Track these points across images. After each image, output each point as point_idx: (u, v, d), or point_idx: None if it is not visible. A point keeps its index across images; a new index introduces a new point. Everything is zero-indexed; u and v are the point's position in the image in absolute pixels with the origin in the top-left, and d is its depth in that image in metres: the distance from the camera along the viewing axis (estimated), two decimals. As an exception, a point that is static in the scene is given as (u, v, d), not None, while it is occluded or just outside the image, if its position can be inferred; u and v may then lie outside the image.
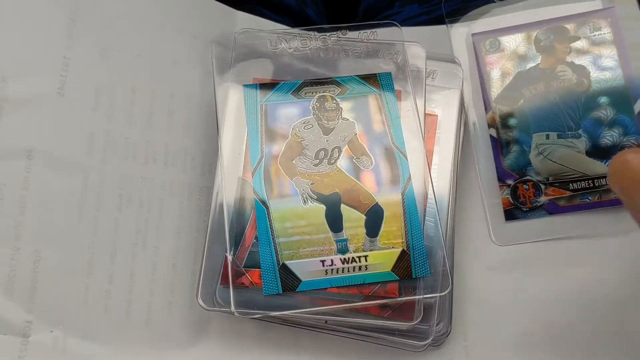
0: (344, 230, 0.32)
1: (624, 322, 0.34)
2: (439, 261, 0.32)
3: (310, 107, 0.34)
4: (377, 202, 0.33)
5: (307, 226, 0.32)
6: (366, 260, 0.31)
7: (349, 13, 0.45)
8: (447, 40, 0.39)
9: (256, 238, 0.32)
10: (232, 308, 0.30)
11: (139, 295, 0.32)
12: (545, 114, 0.37)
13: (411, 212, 0.32)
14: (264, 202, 0.32)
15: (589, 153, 0.36)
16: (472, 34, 0.38)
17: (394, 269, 0.31)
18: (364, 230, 0.32)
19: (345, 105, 0.34)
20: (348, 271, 0.31)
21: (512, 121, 0.37)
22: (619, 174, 0.25)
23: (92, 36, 0.34)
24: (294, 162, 0.33)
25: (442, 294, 0.31)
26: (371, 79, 0.35)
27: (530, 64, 0.37)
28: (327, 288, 0.31)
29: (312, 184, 0.33)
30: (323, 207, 0.32)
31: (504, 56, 0.38)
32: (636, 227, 0.25)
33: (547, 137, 0.36)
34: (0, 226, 0.30)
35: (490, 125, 0.37)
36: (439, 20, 0.39)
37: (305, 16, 0.43)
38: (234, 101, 0.34)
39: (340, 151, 0.34)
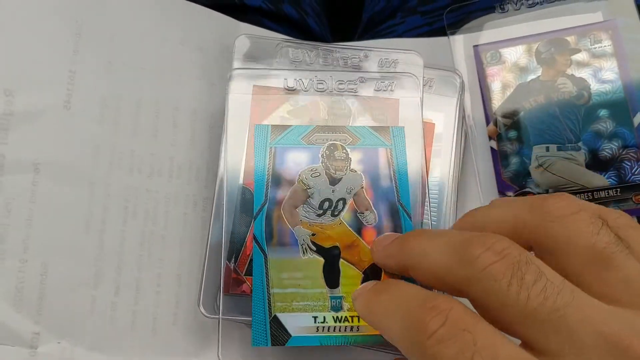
0: (340, 287, 0.31)
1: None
2: None
3: (320, 155, 0.33)
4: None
5: (303, 279, 0.31)
6: (358, 321, 0.31)
7: (350, 24, 0.46)
8: (449, 52, 0.39)
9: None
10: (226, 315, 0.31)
11: (145, 306, 0.33)
12: (545, 126, 0.37)
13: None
14: (262, 249, 0.31)
15: (589, 166, 0.36)
16: (474, 46, 0.39)
17: None
18: None
19: (355, 156, 0.34)
20: (339, 330, 0.30)
21: (513, 133, 0.37)
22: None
23: (97, 50, 0.34)
24: (297, 210, 0.32)
25: None
26: (383, 131, 0.34)
27: (531, 76, 0.38)
28: (316, 346, 0.30)
29: (312, 234, 0.32)
30: (321, 261, 0.31)
31: (505, 68, 0.38)
32: None
33: (547, 149, 0.37)
34: (8, 239, 0.30)
35: (490, 137, 0.38)
36: (440, 32, 0.40)
37: (307, 27, 0.43)
38: (236, 109, 0.34)
39: (345, 203, 0.33)
